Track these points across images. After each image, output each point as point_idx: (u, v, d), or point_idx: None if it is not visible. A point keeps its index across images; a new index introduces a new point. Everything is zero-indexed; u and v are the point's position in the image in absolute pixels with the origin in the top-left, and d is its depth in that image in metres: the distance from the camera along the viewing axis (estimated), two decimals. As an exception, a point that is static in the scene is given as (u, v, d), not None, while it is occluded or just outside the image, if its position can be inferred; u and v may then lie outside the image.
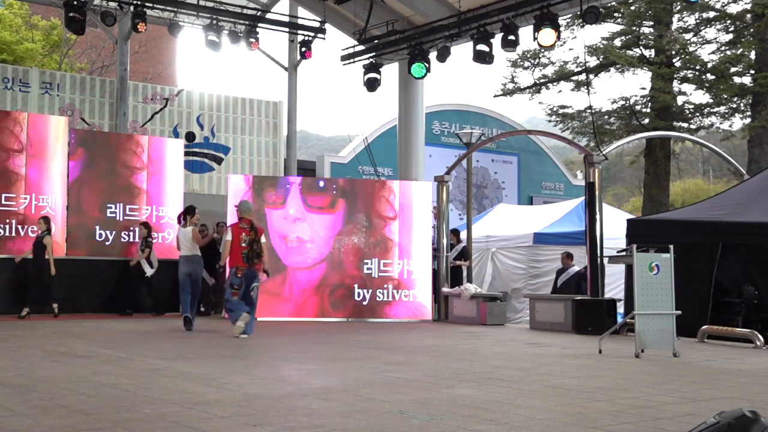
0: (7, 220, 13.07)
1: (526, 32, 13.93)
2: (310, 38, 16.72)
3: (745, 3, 24.75)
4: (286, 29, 17.26)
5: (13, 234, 13.09)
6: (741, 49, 24.63)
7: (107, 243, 13.91)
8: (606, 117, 27.32)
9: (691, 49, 25.68)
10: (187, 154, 17.77)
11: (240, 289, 9.74)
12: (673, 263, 8.31)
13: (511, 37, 13.40)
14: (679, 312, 8.36)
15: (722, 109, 26.03)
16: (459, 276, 14.35)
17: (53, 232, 12.75)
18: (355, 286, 13.33)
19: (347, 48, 16.72)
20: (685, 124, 26.33)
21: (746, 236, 10.56)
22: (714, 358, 8.30)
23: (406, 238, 13.60)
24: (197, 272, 11.05)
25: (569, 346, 9.46)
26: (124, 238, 14.06)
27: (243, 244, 9.74)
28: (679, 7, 25.31)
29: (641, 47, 26.29)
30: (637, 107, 26.85)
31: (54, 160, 13.66)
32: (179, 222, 11.33)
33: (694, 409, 4.92)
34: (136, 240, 13.92)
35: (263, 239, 10.02)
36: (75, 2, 13.98)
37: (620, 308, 11.98)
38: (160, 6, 15.24)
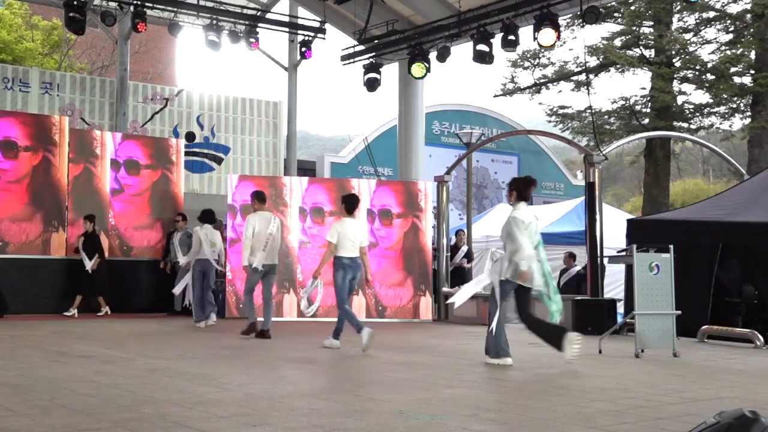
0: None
1: (526, 32, 13.93)
2: (310, 38, 16.72)
3: (745, 3, 24.74)
4: (286, 29, 17.26)
5: None
6: (741, 49, 24.60)
7: None
8: (606, 117, 27.28)
9: (691, 49, 25.65)
10: (187, 154, 17.75)
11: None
12: (673, 263, 8.31)
13: (511, 37, 13.40)
14: (679, 312, 8.35)
15: (722, 109, 26.00)
16: (463, 276, 14.19)
17: None
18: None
19: (347, 48, 16.71)
20: (685, 124, 26.29)
21: (746, 236, 10.55)
22: (714, 358, 8.30)
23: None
24: None
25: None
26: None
27: None
28: (679, 7, 25.29)
29: (641, 47, 26.26)
30: (637, 107, 26.82)
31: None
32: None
33: (694, 409, 4.92)
34: None
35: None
36: (75, 2, 13.97)
37: (620, 308, 11.97)
38: (160, 6, 15.24)
